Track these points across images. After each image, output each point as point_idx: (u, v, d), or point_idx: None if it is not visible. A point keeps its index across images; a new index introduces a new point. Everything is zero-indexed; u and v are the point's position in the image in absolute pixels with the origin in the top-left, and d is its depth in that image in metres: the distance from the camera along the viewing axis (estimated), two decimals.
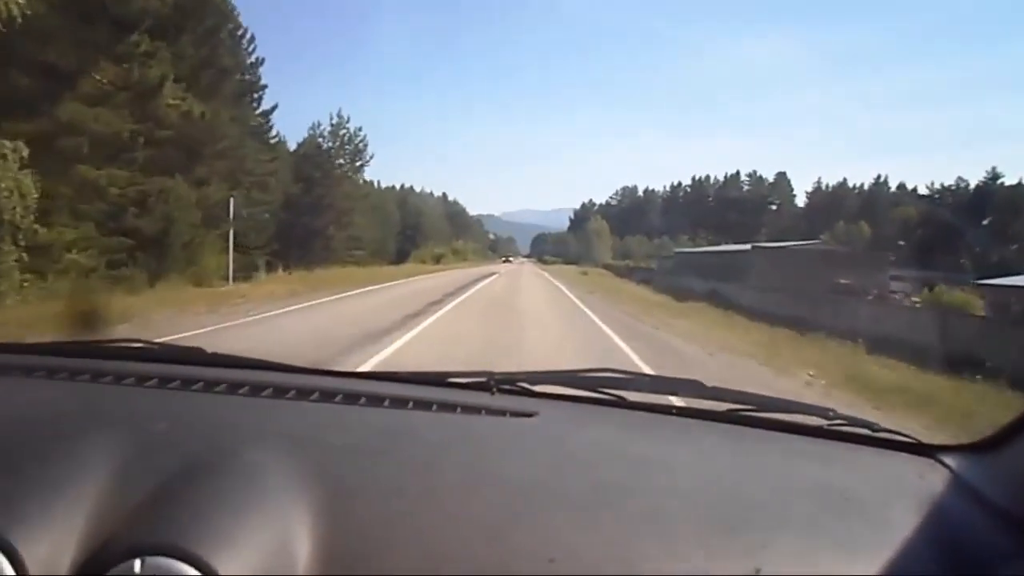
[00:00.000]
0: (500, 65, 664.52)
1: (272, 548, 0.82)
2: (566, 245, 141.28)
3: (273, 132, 40.59)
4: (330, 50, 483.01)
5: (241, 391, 1.28)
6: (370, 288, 26.70)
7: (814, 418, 1.36)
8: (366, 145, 52.02)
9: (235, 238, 27.74)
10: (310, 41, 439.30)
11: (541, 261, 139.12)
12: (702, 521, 0.93)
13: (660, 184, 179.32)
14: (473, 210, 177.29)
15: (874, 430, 1.31)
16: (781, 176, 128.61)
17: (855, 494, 1.04)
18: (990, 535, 0.94)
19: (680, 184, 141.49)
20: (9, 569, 0.78)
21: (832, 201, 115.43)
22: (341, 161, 50.93)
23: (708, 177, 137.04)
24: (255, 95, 35.11)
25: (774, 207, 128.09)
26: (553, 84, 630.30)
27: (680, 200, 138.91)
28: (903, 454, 1.23)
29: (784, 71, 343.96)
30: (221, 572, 0.76)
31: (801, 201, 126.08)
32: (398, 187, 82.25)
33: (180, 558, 0.77)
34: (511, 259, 73.39)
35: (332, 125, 51.06)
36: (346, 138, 51.38)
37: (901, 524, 0.95)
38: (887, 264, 42.95)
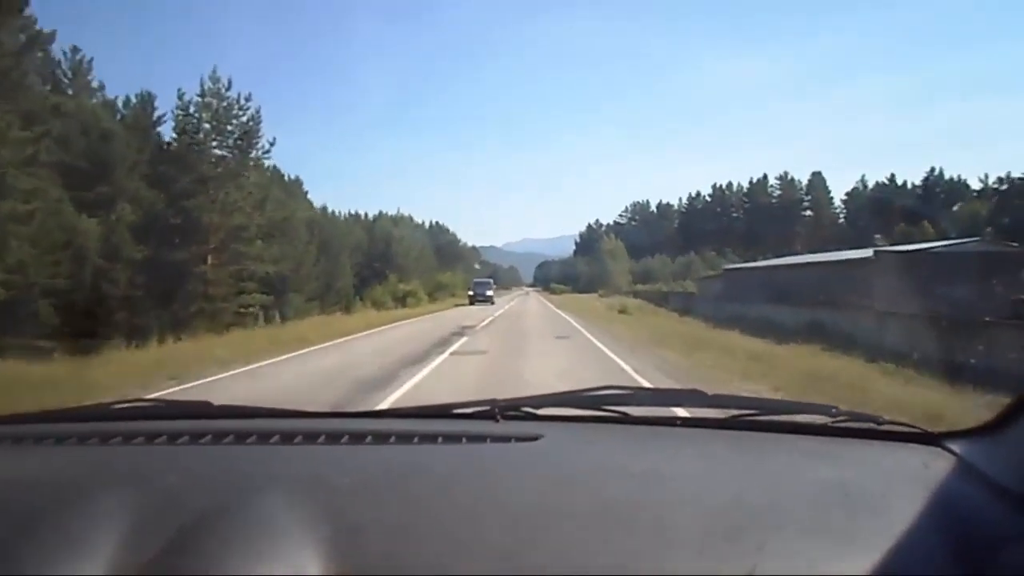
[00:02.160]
0: (490, 97, 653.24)
1: None
2: (574, 271, 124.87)
3: None
4: (318, 88, 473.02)
5: (249, 440, 1.29)
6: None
7: (818, 417, 1.37)
8: (258, 123, 30.16)
9: None
10: (296, 76, 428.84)
11: (547, 290, 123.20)
12: (705, 529, 0.93)
13: (675, 197, 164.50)
14: (474, 242, 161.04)
15: (879, 423, 1.31)
16: (816, 177, 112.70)
17: (858, 487, 1.05)
18: (997, 516, 0.95)
19: (699, 194, 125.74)
20: None
21: (878, 201, 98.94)
22: (221, 152, 29.59)
23: (731, 184, 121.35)
24: None
25: (809, 212, 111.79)
26: (548, 111, 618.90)
27: (701, 212, 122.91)
28: (908, 444, 1.25)
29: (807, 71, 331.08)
30: None
31: (839, 204, 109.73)
32: (364, 215, 67.11)
33: None
34: (486, 293, 56.12)
35: (201, 96, 29.12)
36: (225, 111, 29.41)
37: (905, 512, 0.95)
38: None
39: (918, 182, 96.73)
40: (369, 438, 1.30)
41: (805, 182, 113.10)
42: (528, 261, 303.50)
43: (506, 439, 1.29)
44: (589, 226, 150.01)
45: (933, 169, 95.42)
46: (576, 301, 57.02)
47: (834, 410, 1.37)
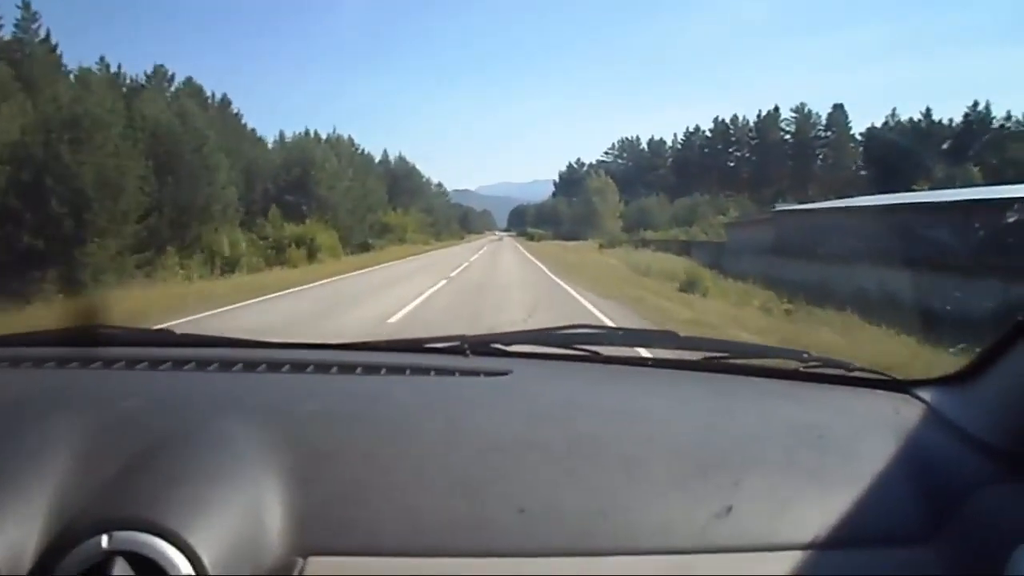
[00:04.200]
0: (468, 35, 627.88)
1: (244, 516, 0.82)
2: (555, 215, 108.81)
3: None
4: (285, 22, 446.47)
5: (211, 368, 1.28)
6: None
7: (789, 361, 1.36)
8: None
9: None
10: (266, 11, 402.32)
11: (524, 236, 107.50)
12: (677, 466, 0.95)
13: (668, 133, 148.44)
14: (449, 186, 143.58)
15: (849, 369, 1.31)
16: (838, 111, 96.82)
17: (830, 431, 1.06)
18: (965, 463, 0.96)
19: (698, 129, 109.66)
20: None
21: (911, 139, 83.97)
22: None
23: (736, 118, 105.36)
24: None
25: (825, 151, 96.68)
26: (527, 51, 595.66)
27: (700, 149, 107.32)
28: (878, 391, 1.25)
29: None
30: (192, 542, 0.75)
31: (859, 142, 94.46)
32: (280, 135, 48.94)
33: (149, 531, 0.76)
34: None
35: None
36: None
37: (876, 456, 0.98)
38: None
39: (958, 120, 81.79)
40: (335, 368, 1.27)
41: (824, 117, 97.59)
42: (504, 205, 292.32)
43: (475, 373, 1.27)
44: (570, 165, 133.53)
45: (976, 104, 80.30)
46: (567, 253, 41.71)
47: (805, 355, 1.36)
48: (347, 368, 1.28)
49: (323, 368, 1.28)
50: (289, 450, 0.92)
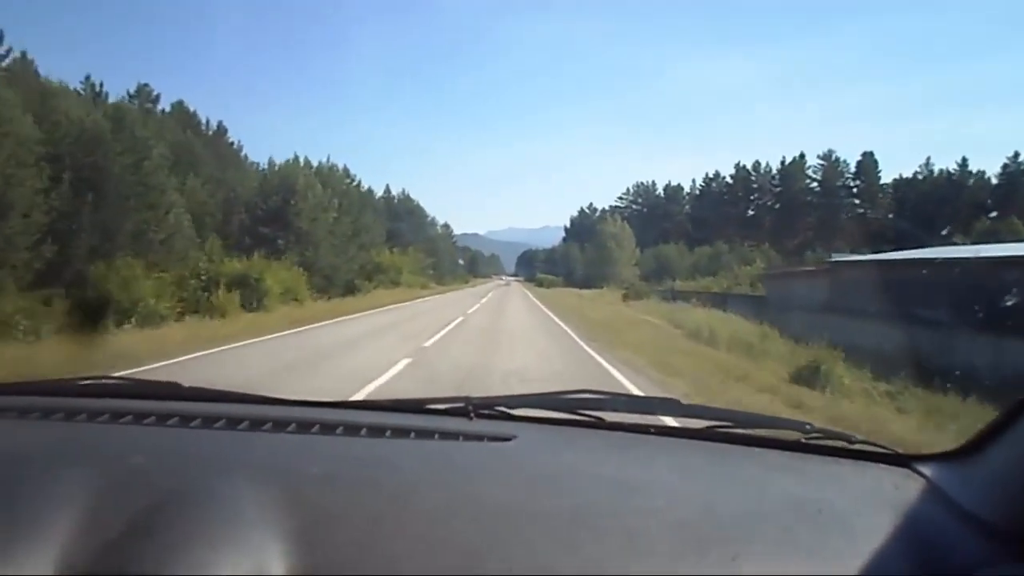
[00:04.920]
0: (480, 81, 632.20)
1: None
2: (567, 261, 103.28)
3: None
4: (301, 72, 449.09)
5: (217, 424, 1.28)
6: None
7: (791, 432, 1.38)
8: None
9: None
10: (282, 63, 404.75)
11: (533, 282, 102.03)
12: (677, 539, 0.95)
13: (687, 178, 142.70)
14: (458, 229, 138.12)
15: (851, 442, 1.32)
16: (867, 159, 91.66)
17: (830, 505, 1.05)
18: (965, 541, 0.95)
19: (718, 175, 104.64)
20: None
21: (946, 190, 78.71)
22: None
23: (759, 164, 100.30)
24: None
25: (856, 200, 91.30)
26: (537, 101, 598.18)
27: (720, 196, 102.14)
28: (880, 465, 1.25)
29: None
30: None
31: (889, 192, 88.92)
32: (274, 162, 42.37)
33: None
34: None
35: None
36: None
37: (875, 532, 0.96)
38: None
39: (992, 171, 76.53)
40: (340, 429, 1.28)
41: (853, 165, 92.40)
42: (512, 250, 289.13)
43: (479, 438, 1.28)
44: (582, 210, 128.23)
45: (1017, 155, 75.01)
46: (587, 305, 35.21)
47: (808, 426, 1.38)
48: (352, 429, 1.29)
49: (328, 428, 1.28)
50: (294, 512, 0.92)
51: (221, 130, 51.06)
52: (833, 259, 36.09)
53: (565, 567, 0.86)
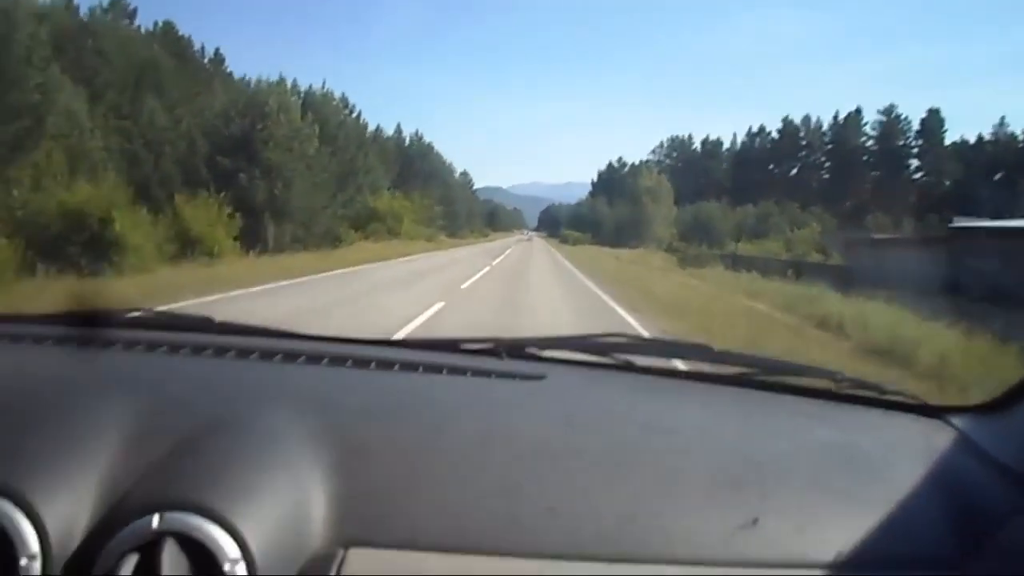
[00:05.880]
0: (508, 34, 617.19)
1: (290, 504, 0.84)
2: (595, 217, 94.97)
3: None
4: (329, 19, 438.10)
5: (252, 356, 1.29)
6: None
7: (822, 380, 1.36)
8: None
9: None
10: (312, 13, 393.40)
11: (557, 238, 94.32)
12: (708, 478, 0.95)
13: (727, 133, 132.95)
14: (481, 183, 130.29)
15: (882, 392, 1.31)
16: (933, 115, 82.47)
17: (861, 452, 1.06)
18: (995, 492, 0.96)
19: (763, 130, 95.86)
20: (29, 528, 0.79)
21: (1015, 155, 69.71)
22: None
23: (809, 120, 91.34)
24: None
25: (916, 162, 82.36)
26: (569, 51, 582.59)
27: (764, 152, 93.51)
28: (910, 415, 1.24)
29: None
30: (239, 526, 0.77)
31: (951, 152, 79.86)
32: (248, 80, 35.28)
33: (198, 512, 0.78)
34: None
35: None
36: None
37: (906, 480, 0.97)
38: None
39: None
40: (373, 364, 1.28)
41: (916, 124, 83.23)
42: (535, 205, 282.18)
43: (511, 376, 1.27)
44: (610, 164, 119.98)
45: None
46: (631, 271, 26.64)
47: (839, 375, 1.35)
48: (385, 364, 1.28)
49: (362, 363, 1.27)
50: (331, 443, 0.94)
51: (219, 58, 45.75)
52: (956, 224, 28.43)
53: (599, 500, 0.89)
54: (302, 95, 39.73)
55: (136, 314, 1.54)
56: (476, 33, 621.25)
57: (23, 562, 0.76)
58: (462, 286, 16.70)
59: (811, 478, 0.97)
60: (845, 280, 22.67)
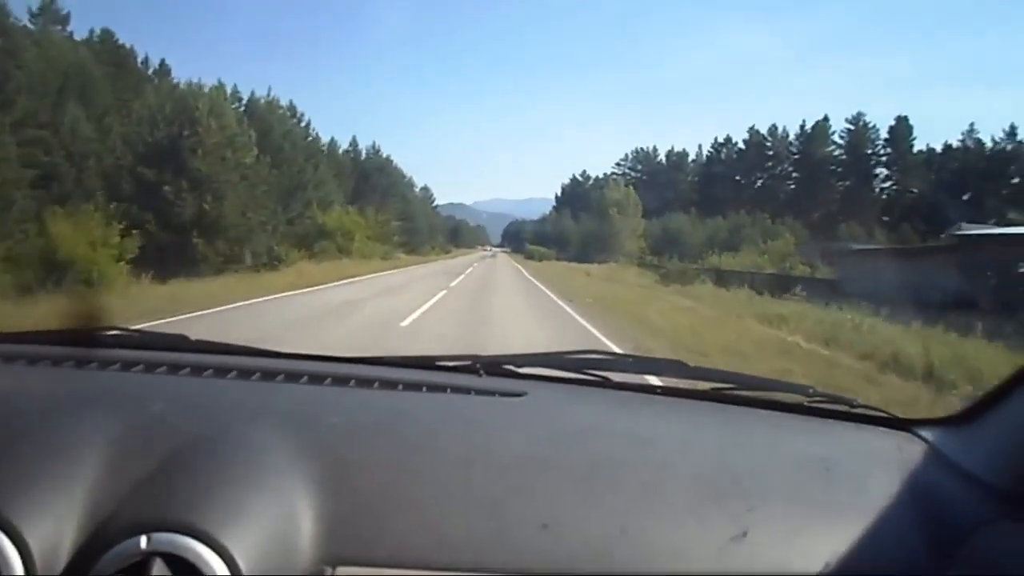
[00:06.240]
0: (469, 45, 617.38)
1: (276, 523, 0.83)
2: (559, 231, 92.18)
3: None
4: (285, 32, 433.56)
5: (230, 375, 1.28)
6: None
7: (795, 395, 1.39)
8: None
9: None
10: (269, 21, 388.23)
11: (522, 254, 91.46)
12: (691, 491, 0.97)
13: (692, 144, 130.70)
14: (444, 199, 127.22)
15: (852, 406, 1.34)
16: (901, 123, 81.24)
17: (837, 465, 1.08)
18: (966, 503, 0.98)
19: (729, 140, 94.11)
20: (12, 550, 0.77)
21: (984, 163, 68.68)
22: None
23: (775, 129, 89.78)
24: None
25: (883, 171, 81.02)
26: (526, 59, 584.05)
27: (731, 164, 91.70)
28: (881, 428, 1.27)
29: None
30: (228, 546, 0.77)
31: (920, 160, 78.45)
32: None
33: (186, 532, 0.77)
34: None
35: None
36: None
37: (882, 492, 1.00)
38: None
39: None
40: (352, 382, 1.28)
41: (884, 132, 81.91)
42: (497, 221, 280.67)
43: (490, 393, 1.28)
44: (574, 178, 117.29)
45: None
46: (609, 293, 22.76)
47: (811, 390, 1.39)
48: (365, 382, 1.28)
49: (341, 381, 1.28)
50: (315, 459, 0.94)
51: (164, 68, 41.77)
52: (960, 232, 26.12)
53: (586, 515, 0.89)
54: (244, 102, 36.39)
55: (110, 333, 1.49)
56: (438, 48, 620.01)
57: None
58: (403, 323, 12.60)
59: (791, 490, 1.00)
60: (835, 294, 20.45)
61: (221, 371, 1.28)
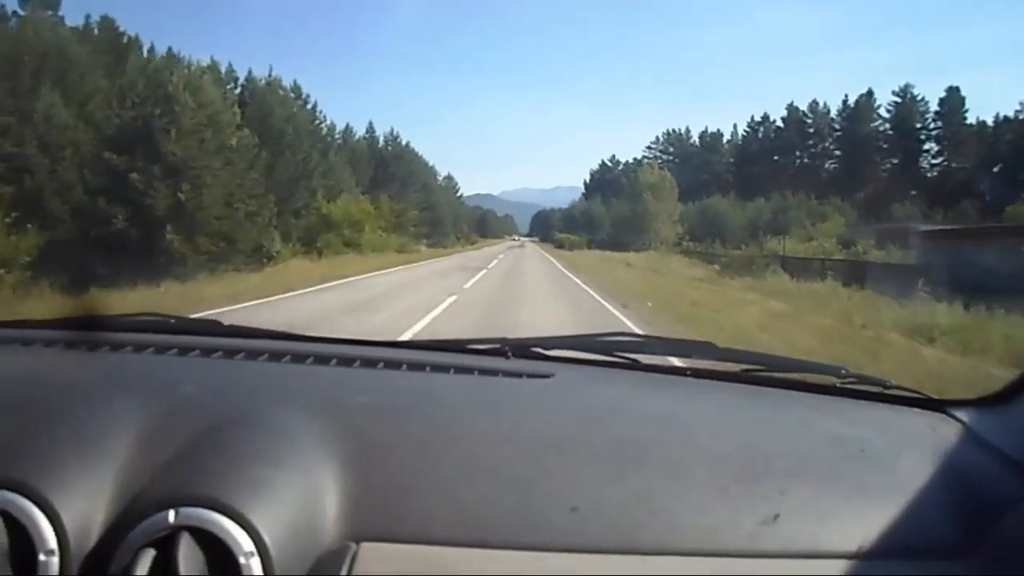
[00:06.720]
0: (495, 40, 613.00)
1: (302, 500, 0.85)
2: (589, 219, 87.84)
3: None
4: (321, 26, 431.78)
5: (261, 358, 1.30)
6: None
7: (826, 376, 1.38)
8: None
9: None
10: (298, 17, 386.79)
11: (550, 242, 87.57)
12: (722, 473, 0.96)
13: (726, 124, 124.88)
14: (471, 190, 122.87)
15: (886, 387, 1.32)
16: (953, 94, 76.02)
17: (870, 446, 1.07)
18: (1001, 482, 0.99)
19: (766, 118, 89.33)
20: (47, 525, 0.80)
21: None
22: None
23: (816, 105, 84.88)
24: None
25: (934, 146, 75.95)
26: (553, 51, 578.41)
27: (764, 142, 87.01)
28: (914, 409, 1.26)
29: None
30: (254, 521, 0.79)
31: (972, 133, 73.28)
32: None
33: (213, 508, 0.79)
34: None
35: None
36: None
37: (915, 472, 0.99)
38: None
39: None
40: (381, 364, 1.29)
41: (934, 104, 76.85)
42: (525, 211, 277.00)
43: (518, 375, 1.28)
44: (603, 164, 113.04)
45: None
46: (670, 289, 18.01)
47: (843, 371, 1.37)
48: (393, 364, 1.29)
49: (370, 363, 1.29)
50: (343, 440, 0.95)
51: (171, 56, 38.18)
52: None
53: (614, 495, 0.89)
54: (240, 82, 32.83)
55: (144, 318, 1.52)
56: (464, 40, 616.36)
57: (41, 558, 0.78)
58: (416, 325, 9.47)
59: (824, 472, 0.99)
60: (914, 284, 16.51)
61: (253, 354, 1.29)
